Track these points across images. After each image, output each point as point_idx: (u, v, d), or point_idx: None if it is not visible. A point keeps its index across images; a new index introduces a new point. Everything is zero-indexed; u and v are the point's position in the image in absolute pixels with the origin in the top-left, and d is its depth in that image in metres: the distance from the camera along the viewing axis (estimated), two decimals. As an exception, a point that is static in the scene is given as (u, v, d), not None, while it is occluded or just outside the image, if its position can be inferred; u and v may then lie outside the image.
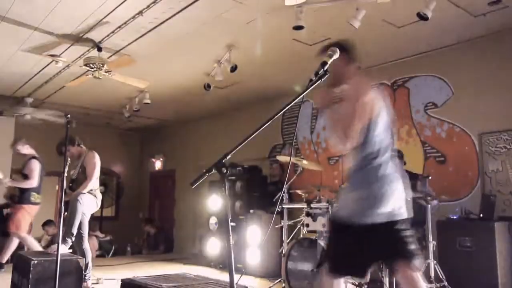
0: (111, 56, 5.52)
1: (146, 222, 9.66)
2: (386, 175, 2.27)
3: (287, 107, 1.74)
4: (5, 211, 6.58)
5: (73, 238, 4.17)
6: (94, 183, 4.47)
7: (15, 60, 5.83)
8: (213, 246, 6.77)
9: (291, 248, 4.33)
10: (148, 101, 7.16)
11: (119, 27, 4.75)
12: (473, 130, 5.02)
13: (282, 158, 5.67)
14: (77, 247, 4.30)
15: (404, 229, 2.24)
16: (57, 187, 9.77)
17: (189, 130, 9.55)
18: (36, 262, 3.43)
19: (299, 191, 4.91)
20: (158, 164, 10.49)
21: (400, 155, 4.71)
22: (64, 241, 4.02)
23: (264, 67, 6.07)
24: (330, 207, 4.32)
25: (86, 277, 4.25)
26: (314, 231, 4.42)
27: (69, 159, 4.47)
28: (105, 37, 5.01)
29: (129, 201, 10.74)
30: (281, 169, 7.01)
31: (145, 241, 9.45)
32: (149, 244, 9.32)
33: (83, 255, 4.23)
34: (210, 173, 1.67)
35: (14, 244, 5.50)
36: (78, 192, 4.31)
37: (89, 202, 4.40)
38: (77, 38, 5.08)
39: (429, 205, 4.20)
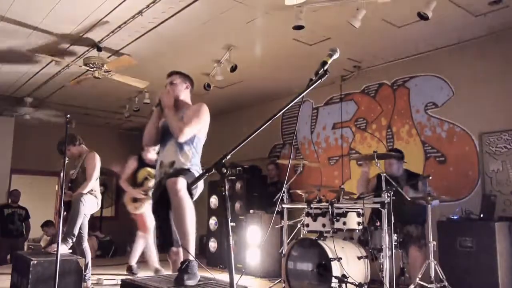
0: (111, 56, 5.51)
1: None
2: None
3: (287, 107, 1.73)
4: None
5: (74, 239, 4.17)
6: (94, 184, 4.46)
7: (14, 60, 5.83)
8: (213, 246, 6.77)
9: (291, 248, 4.32)
10: (148, 101, 7.15)
11: (119, 27, 4.75)
12: (473, 130, 5.01)
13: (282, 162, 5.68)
14: (76, 247, 4.29)
15: None
16: (56, 187, 9.78)
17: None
18: (35, 262, 3.42)
19: (299, 191, 4.90)
20: (158, 164, 10.46)
21: (401, 155, 4.71)
22: (65, 241, 4.02)
23: (264, 67, 6.07)
24: (330, 207, 4.31)
25: (86, 277, 4.25)
26: (314, 231, 4.41)
27: (67, 159, 4.47)
28: (105, 37, 5.01)
29: (129, 201, 10.71)
30: (277, 169, 7.01)
31: None
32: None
33: (83, 255, 4.22)
34: (210, 173, 1.67)
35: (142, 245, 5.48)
36: (79, 193, 4.31)
37: (90, 203, 4.41)
38: (77, 38, 5.07)
39: (430, 205, 4.19)
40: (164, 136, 3.03)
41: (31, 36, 5.02)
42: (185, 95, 3.15)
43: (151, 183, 5.08)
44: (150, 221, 5.19)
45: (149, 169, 5.32)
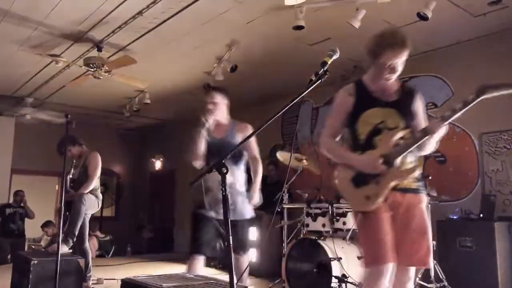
0: (111, 56, 5.52)
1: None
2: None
3: (287, 107, 1.74)
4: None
5: (75, 239, 4.18)
6: (95, 183, 4.48)
7: (15, 60, 5.83)
8: (213, 246, 6.77)
9: (291, 248, 4.33)
10: (148, 101, 7.16)
11: (119, 27, 4.76)
12: (473, 130, 5.01)
13: (281, 156, 5.61)
14: (77, 247, 4.30)
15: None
16: (57, 187, 9.79)
17: (189, 130, 9.53)
18: (36, 262, 3.42)
19: (299, 191, 4.91)
20: (158, 164, 10.49)
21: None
22: (65, 241, 4.03)
23: (264, 67, 6.07)
24: (330, 207, 4.31)
25: (87, 277, 4.26)
26: (314, 231, 4.42)
27: (74, 161, 4.49)
28: (105, 37, 5.01)
29: (129, 201, 10.75)
30: (277, 169, 7.00)
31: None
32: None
33: (83, 255, 4.22)
34: (210, 173, 1.67)
35: None
36: (80, 193, 4.32)
37: (91, 202, 4.41)
38: (77, 38, 5.08)
39: (429, 205, 4.19)
40: (218, 155, 3.04)
41: (32, 36, 5.03)
42: (225, 112, 3.42)
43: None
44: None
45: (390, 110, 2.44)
